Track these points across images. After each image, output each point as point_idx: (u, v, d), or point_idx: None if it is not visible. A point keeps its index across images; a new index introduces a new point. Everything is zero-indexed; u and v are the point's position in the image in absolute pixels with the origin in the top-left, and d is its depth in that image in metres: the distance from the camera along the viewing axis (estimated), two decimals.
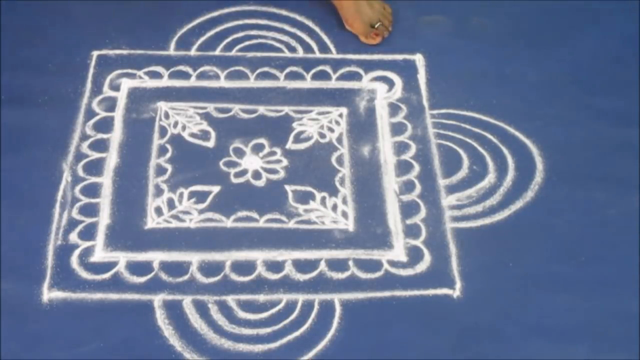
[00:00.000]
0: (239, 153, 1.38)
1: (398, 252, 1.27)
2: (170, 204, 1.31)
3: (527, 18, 1.62)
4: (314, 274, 1.24)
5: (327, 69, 1.51)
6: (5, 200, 1.29)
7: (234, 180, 1.34)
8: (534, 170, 1.37)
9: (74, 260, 1.24)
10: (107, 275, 1.22)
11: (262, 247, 1.26)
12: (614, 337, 1.19)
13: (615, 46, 1.57)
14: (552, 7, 1.63)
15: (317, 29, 1.58)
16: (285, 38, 1.56)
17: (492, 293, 1.22)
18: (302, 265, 1.25)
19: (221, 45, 1.54)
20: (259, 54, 1.53)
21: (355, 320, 1.19)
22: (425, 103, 1.46)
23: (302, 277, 1.23)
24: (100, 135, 1.39)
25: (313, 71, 1.50)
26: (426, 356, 1.16)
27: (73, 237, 1.26)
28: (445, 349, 1.17)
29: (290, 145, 1.40)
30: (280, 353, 1.16)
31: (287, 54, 1.53)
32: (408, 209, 1.32)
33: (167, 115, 1.43)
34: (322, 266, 1.24)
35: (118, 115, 1.42)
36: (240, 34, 1.56)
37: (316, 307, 1.20)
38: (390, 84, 1.49)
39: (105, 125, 1.41)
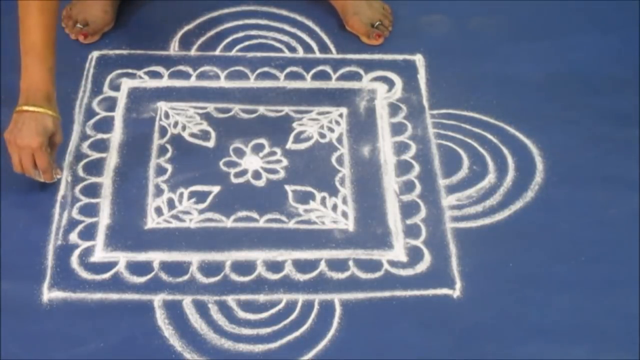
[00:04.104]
0: (239, 153, 1.38)
1: (398, 252, 1.26)
2: (170, 204, 1.31)
3: (527, 18, 1.62)
4: (314, 274, 1.24)
5: (327, 69, 1.51)
6: (5, 200, 1.29)
7: (234, 180, 1.34)
8: (534, 170, 1.37)
9: (74, 260, 1.23)
10: (107, 275, 1.22)
11: (262, 247, 1.26)
12: (614, 337, 1.19)
13: (615, 46, 1.57)
14: (552, 7, 1.63)
15: (317, 29, 1.58)
16: (285, 38, 1.56)
17: (492, 293, 1.22)
18: (302, 265, 1.24)
19: (221, 45, 1.54)
20: (259, 54, 1.53)
21: (355, 320, 1.19)
22: (425, 103, 1.46)
23: (302, 277, 1.23)
24: (100, 135, 1.39)
25: (313, 71, 1.50)
26: (426, 356, 1.16)
27: (73, 237, 1.26)
28: (445, 349, 1.17)
29: (290, 145, 1.40)
30: (280, 353, 1.16)
31: (287, 54, 1.53)
32: (408, 209, 1.32)
33: (167, 115, 1.43)
34: (322, 266, 1.24)
35: (118, 115, 1.42)
36: (240, 34, 1.56)
37: (316, 307, 1.20)
38: (391, 84, 1.49)
39: (105, 125, 1.41)
